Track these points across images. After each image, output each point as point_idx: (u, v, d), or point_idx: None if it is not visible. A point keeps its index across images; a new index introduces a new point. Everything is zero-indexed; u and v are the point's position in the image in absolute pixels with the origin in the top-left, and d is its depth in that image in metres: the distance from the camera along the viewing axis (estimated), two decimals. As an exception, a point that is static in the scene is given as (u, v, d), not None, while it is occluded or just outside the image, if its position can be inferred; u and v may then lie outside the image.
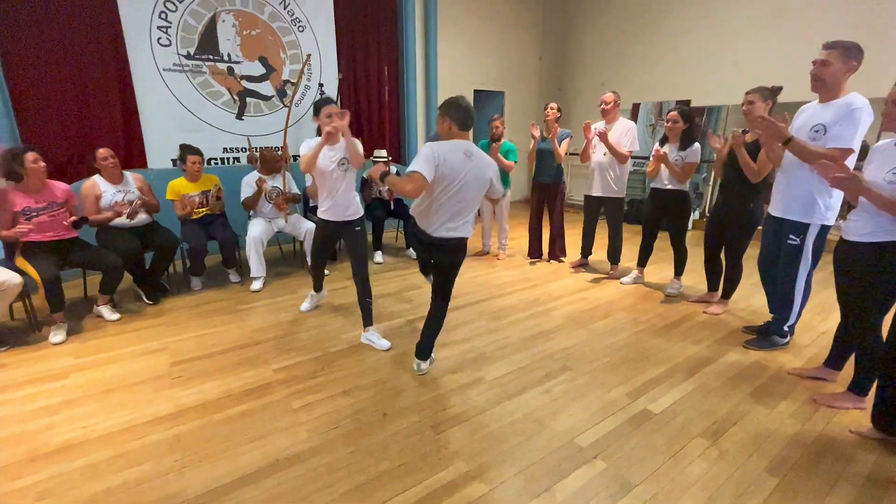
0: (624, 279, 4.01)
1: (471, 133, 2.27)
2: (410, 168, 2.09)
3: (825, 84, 2.27)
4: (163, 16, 4.31)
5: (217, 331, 3.04)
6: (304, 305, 3.38)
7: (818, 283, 3.11)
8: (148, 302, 3.46)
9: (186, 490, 1.70)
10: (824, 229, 2.45)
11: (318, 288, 3.34)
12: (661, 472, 1.80)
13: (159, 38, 4.33)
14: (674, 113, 3.41)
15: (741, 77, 5.49)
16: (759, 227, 2.93)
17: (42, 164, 2.88)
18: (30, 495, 1.67)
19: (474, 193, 2.27)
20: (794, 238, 2.49)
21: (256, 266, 3.81)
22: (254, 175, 3.99)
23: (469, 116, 2.19)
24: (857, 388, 2.18)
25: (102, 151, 3.29)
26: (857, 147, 2.22)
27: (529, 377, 2.49)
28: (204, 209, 3.76)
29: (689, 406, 2.24)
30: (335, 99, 5.39)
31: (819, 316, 3.26)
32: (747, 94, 2.79)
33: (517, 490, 1.71)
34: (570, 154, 4.31)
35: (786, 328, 2.75)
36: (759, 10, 5.43)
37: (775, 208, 2.60)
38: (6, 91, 3.70)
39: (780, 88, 2.78)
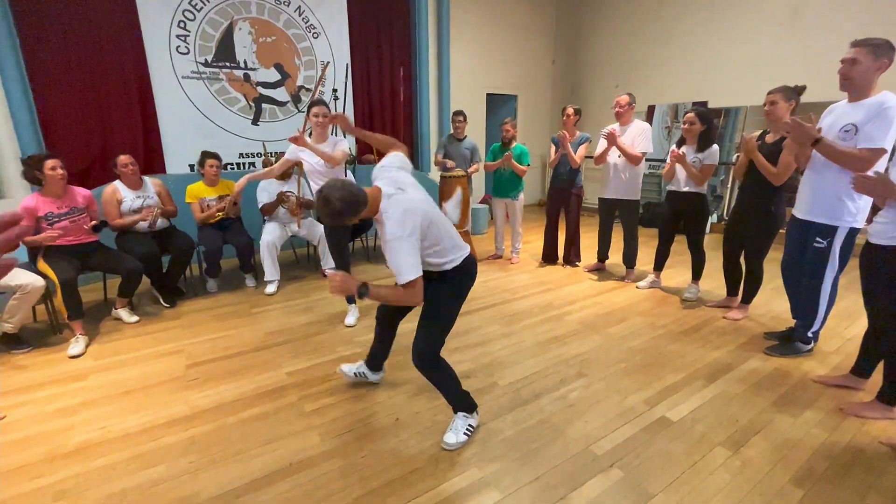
0: (640, 283, 3.94)
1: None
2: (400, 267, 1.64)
3: (854, 83, 2.19)
4: (181, 24, 4.41)
5: (232, 333, 3.07)
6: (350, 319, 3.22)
7: (844, 287, 3.02)
8: (165, 305, 3.51)
9: (200, 493, 1.71)
10: (853, 232, 2.37)
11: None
12: (680, 482, 1.75)
13: (178, 47, 4.43)
14: (691, 114, 3.35)
15: (760, 77, 5.39)
16: (782, 231, 2.86)
17: (61, 171, 2.93)
18: (48, 495, 1.70)
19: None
20: (820, 241, 2.41)
21: (271, 270, 3.85)
22: (270, 182, 4.03)
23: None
24: (887, 397, 2.10)
25: (123, 158, 3.36)
26: (889, 147, 2.14)
27: (544, 383, 2.45)
28: (221, 213, 3.82)
29: (709, 414, 2.17)
30: (351, 102, 5.44)
31: (845, 322, 3.16)
32: (769, 93, 2.73)
33: (532, 498, 1.68)
34: (587, 157, 4.26)
35: (810, 334, 2.66)
36: (777, 8, 5.32)
37: (801, 210, 2.52)
38: (31, 99, 3.82)
39: (803, 88, 2.70)
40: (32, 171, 2.88)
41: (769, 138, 2.86)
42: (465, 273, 1.90)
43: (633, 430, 2.06)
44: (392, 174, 1.82)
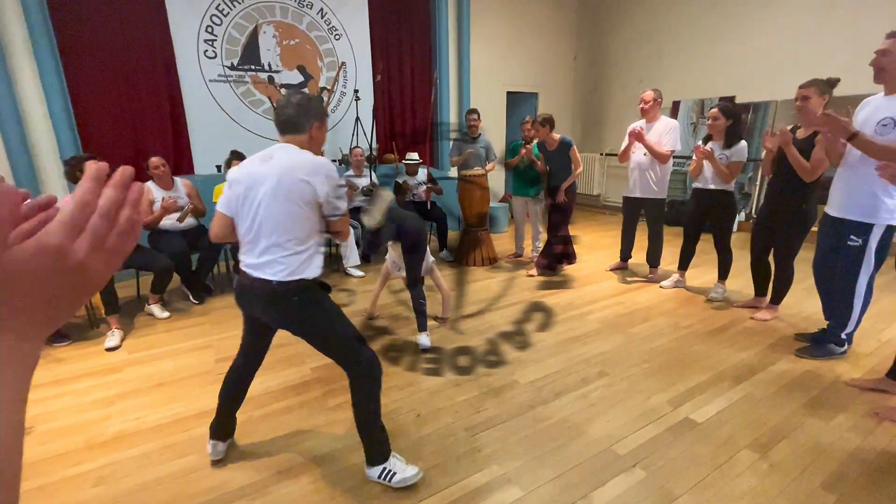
0: (664, 283, 3.87)
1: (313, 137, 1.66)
2: None
3: (890, 75, 2.11)
4: (209, 29, 4.54)
5: (258, 330, 3.15)
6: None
7: (880, 287, 2.90)
8: (194, 301, 3.63)
9: (228, 483, 1.77)
10: (889, 230, 2.28)
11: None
12: (705, 484, 1.72)
13: (206, 51, 4.56)
14: (715, 109, 3.26)
15: (790, 70, 5.20)
16: (813, 228, 2.77)
17: None
18: (88, 481, 1.78)
19: (277, 210, 1.54)
20: (855, 239, 2.33)
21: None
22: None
23: (277, 115, 1.63)
24: (927, 401, 2.02)
25: (154, 160, 3.48)
26: None
27: (565, 381, 2.44)
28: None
29: (735, 416, 2.13)
30: (372, 102, 5.49)
31: (881, 323, 3.04)
32: (801, 87, 2.64)
33: (552, 496, 1.68)
34: (607, 154, 4.18)
35: (843, 336, 2.57)
36: (810, -1, 5.14)
37: (834, 207, 2.43)
38: (69, 103, 3.99)
39: (837, 81, 2.60)
40: (74, 171, 3.02)
41: (800, 133, 2.77)
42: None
43: (657, 430, 2.03)
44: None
